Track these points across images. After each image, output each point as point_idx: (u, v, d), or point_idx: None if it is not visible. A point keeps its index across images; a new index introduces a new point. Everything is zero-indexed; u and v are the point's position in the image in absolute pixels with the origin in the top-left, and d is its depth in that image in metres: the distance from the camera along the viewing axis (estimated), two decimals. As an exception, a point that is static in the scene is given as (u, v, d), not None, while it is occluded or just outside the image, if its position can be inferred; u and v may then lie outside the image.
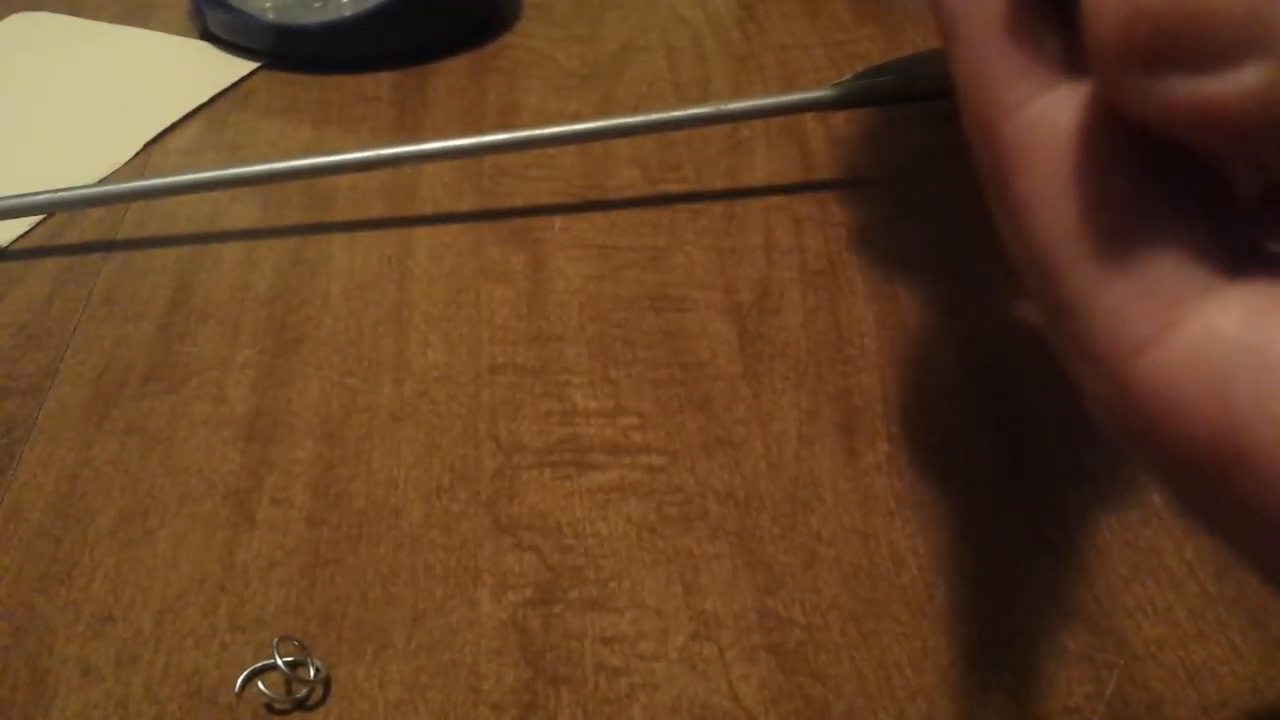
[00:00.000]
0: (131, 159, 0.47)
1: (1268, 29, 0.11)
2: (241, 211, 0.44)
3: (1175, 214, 0.13)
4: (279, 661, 0.28)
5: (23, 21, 0.56)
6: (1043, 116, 0.13)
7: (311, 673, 0.28)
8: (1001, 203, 0.14)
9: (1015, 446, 0.34)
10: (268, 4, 0.54)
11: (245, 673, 0.28)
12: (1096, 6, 0.12)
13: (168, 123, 0.49)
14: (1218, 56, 0.11)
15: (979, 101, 0.14)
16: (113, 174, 0.46)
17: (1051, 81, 0.13)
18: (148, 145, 0.48)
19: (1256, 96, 0.11)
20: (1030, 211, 0.14)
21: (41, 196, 0.42)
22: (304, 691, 0.28)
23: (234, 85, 0.51)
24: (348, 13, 0.52)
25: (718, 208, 0.44)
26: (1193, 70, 0.12)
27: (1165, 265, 0.13)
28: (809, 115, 0.49)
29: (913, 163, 0.46)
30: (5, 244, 0.42)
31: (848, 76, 0.49)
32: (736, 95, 0.51)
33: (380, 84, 0.52)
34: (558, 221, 0.43)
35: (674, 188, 0.45)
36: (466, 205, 0.44)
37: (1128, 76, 0.12)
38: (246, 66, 0.53)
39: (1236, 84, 0.11)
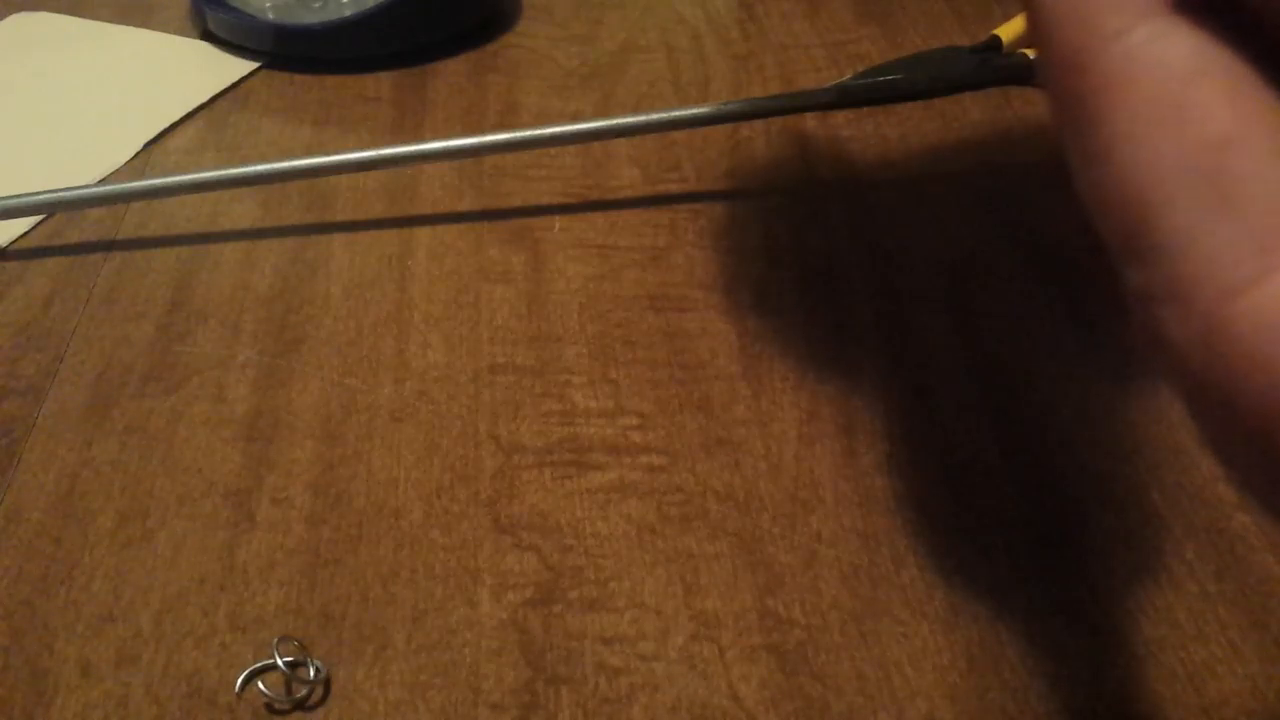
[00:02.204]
0: (131, 159, 0.47)
1: None
2: (241, 211, 0.44)
3: (1275, 156, 0.12)
4: (279, 661, 0.28)
5: (23, 21, 0.56)
6: (1146, 45, 0.13)
7: (311, 673, 0.28)
8: (1089, 139, 0.14)
9: (1016, 446, 0.34)
10: (268, 4, 0.54)
11: (245, 673, 0.28)
12: None
13: (168, 123, 0.49)
14: None
15: (1071, 30, 0.14)
16: (113, 174, 0.46)
17: (1153, 9, 0.13)
18: (148, 145, 0.48)
19: None
20: (1126, 146, 0.13)
21: (41, 196, 0.42)
22: (304, 691, 0.28)
23: (234, 85, 0.51)
24: (348, 13, 0.52)
25: (718, 208, 0.44)
26: None
27: (1268, 205, 0.12)
28: (809, 115, 0.49)
29: (913, 163, 0.46)
30: (5, 244, 0.42)
31: (848, 76, 0.49)
32: (736, 95, 0.51)
33: (380, 84, 0.52)
34: (558, 221, 0.43)
35: (674, 188, 0.45)
36: (466, 205, 0.44)
37: None
38: (246, 66, 0.53)
39: None
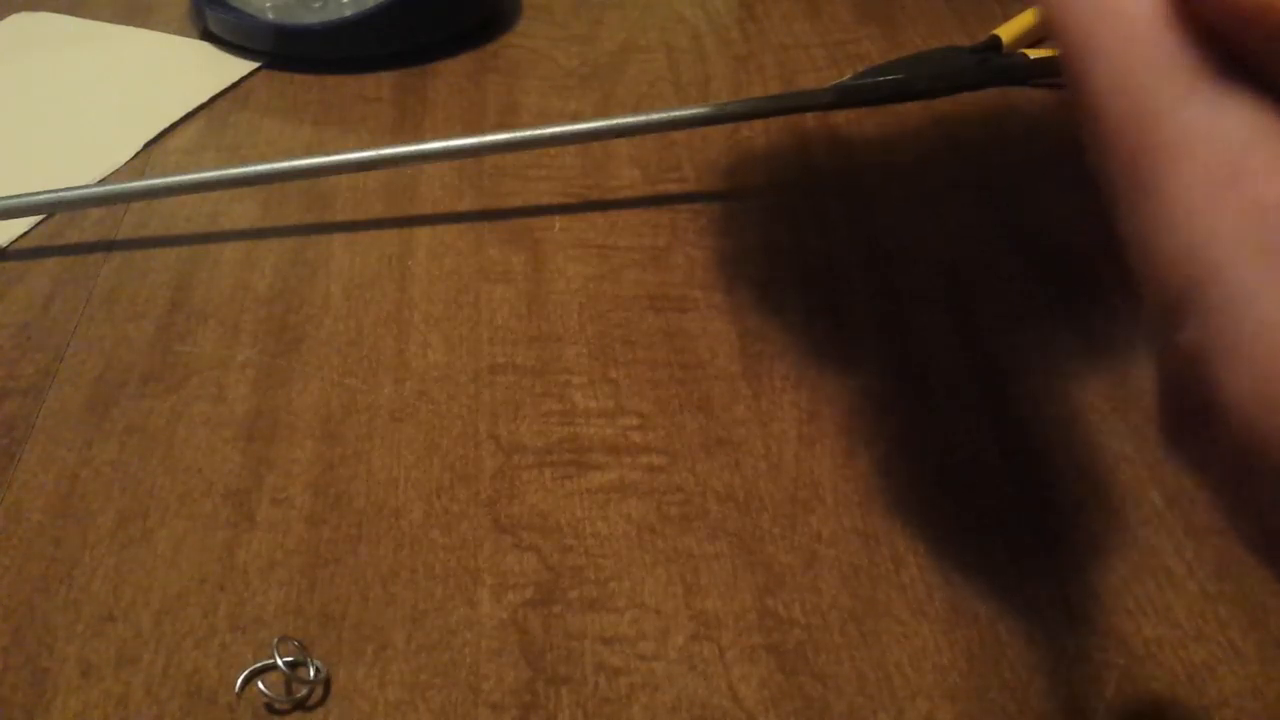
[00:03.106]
0: (131, 159, 0.47)
1: None
2: (241, 211, 0.44)
3: None
4: (279, 661, 0.28)
5: (23, 21, 0.56)
6: (1202, 116, 0.14)
7: (311, 673, 0.28)
8: (1145, 204, 0.14)
9: (1016, 446, 0.34)
10: (268, 4, 0.54)
11: (245, 673, 0.28)
12: None
13: (168, 123, 0.49)
14: None
15: (1126, 102, 0.14)
16: (113, 174, 0.46)
17: (1206, 82, 0.14)
18: (148, 145, 0.48)
19: None
20: (1184, 210, 0.14)
21: (41, 196, 0.42)
22: (304, 691, 0.28)
23: (234, 85, 0.51)
24: (348, 13, 0.52)
25: (718, 208, 0.44)
26: None
27: None
28: (809, 115, 0.49)
29: (913, 163, 0.46)
30: (5, 244, 0.42)
31: (848, 76, 0.49)
32: (736, 95, 0.51)
33: (380, 84, 0.52)
34: (558, 221, 0.43)
35: (674, 188, 0.45)
36: (466, 205, 0.44)
37: None
38: (246, 66, 0.53)
39: None
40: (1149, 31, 0.14)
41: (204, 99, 0.50)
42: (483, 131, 0.44)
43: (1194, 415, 0.14)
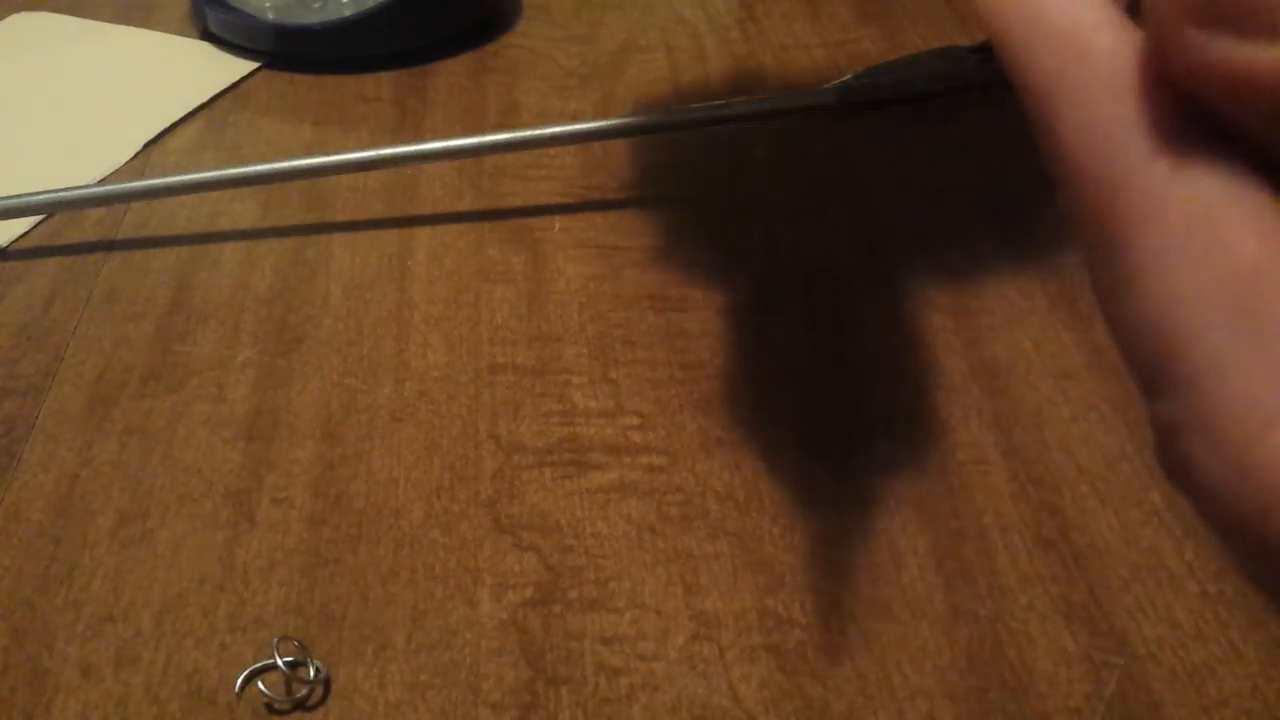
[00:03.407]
0: (131, 159, 0.47)
1: None
2: (241, 211, 0.44)
3: None
4: (279, 661, 0.28)
5: (23, 21, 0.56)
6: (1172, 176, 0.13)
7: (311, 673, 0.28)
8: (1115, 266, 0.14)
9: (1015, 446, 0.34)
10: (268, 4, 0.54)
11: (245, 673, 0.28)
12: None
13: (168, 123, 0.49)
14: (1265, 23, 0.12)
15: (1094, 161, 0.14)
16: (113, 174, 0.46)
17: (1175, 143, 0.13)
18: (148, 145, 0.48)
19: None
20: (1154, 276, 0.13)
21: (41, 196, 0.42)
22: (304, 691, 0.28)
23: (234, 85, 0.51)
24: (348, 13, 0.52)
25: (718, 208, 0.44)
26: (1241, 33, 0.12)
27: None
28: (809, 115, 0.49)
29: (912, 163, 0.46)
30: (5, 244, 0.42)
31: (848, 76, 0.49)
32: (736, 95, 0.51)
33: (380, 84, 0.52)
34: (558, 221, 0.43)
35: (674, 188, 0.45)
36: (466, 205, 0.44)
37: (1183, 34, 0.12)
38: (246, 66, 0.53)
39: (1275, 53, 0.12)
40: (1117, 85, 0.13)
41: (204, 99, 0.50)
42: (483, 131, 0.44)
43: (1181, 477, 0.14)
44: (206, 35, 0.55)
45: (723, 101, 0.47)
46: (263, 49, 0.53)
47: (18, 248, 0.42)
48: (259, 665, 0.28)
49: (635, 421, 0.35)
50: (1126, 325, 0.14)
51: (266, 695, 0.28)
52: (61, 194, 0.42)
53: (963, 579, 0.30)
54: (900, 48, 0.53)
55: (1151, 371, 0.13)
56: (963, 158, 0.46)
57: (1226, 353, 0.12)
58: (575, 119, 0.49)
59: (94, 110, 0.50)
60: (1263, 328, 0.12)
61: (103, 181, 0.46)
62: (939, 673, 0.28)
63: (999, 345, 0.37)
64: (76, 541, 0.32)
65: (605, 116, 0.45)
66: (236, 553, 0.31)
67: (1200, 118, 0.13)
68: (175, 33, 0.55)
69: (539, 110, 0.50)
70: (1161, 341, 0.13)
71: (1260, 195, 0.13)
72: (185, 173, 0.43)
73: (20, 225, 0.43)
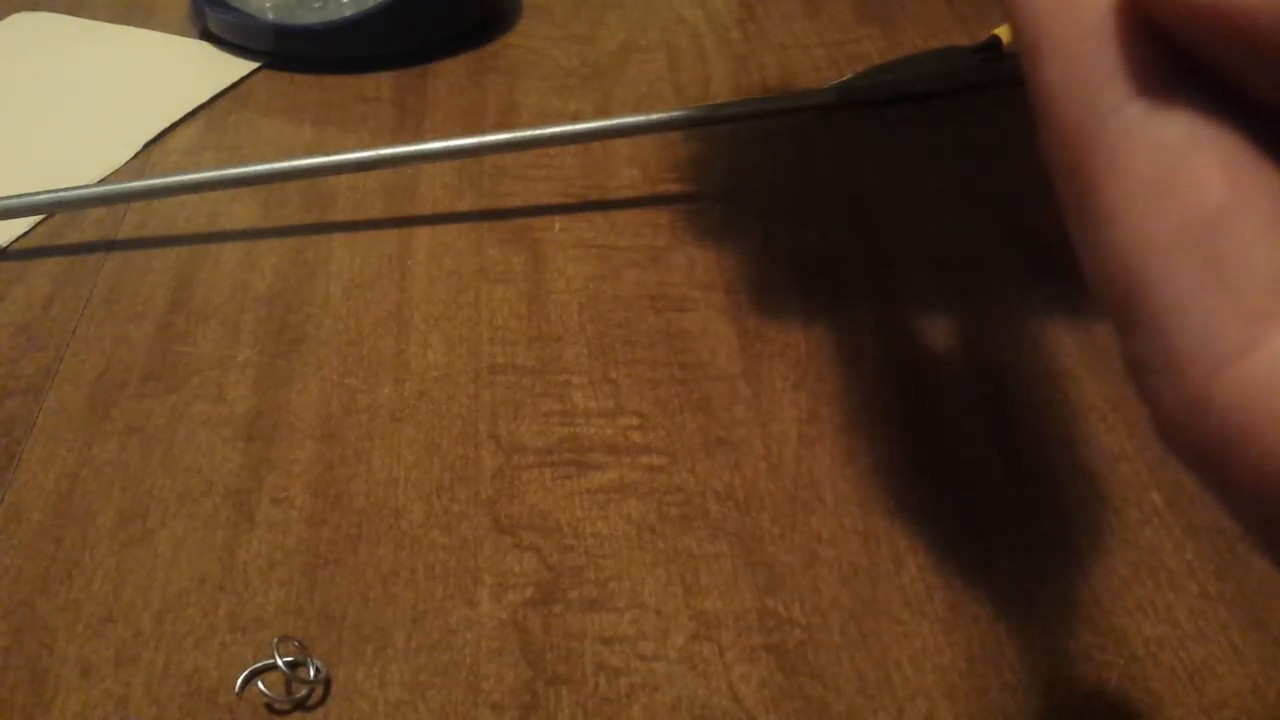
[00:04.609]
0: (131, 159, 0.47)
1: None
2: (241, 211, 0.44)
3: (1273, 226, 0.13)
4: (279, 661, 0.28)
5: (23, 21, 0.56)
6: (1142, 120, 0.13)
7: (311, 673, 0.28)
8: (1085, 210, 0.14)
9: (1015, 446, 0.34)
10: (268, 4, 0.54)
11: (245, 673, 0.28)
12: None
13: (168, 123, 0.49)
14: None
15: (1068, 104, 0.14)
16: (113, 174, 0.46)
17: (1149, 85, 0.13)
18: (148, 145, 0.48)
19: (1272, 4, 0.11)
20: (1121, 219, 0.13)
21: (41, 196, 0.42)
22: (304, 691, 0.28)
23: (234, 85, 0.51)
24: (348, 13, 0.52)
25: (718, 208, 0.44)
26: None
27: (1259, 278, 0.12)
28: (809, 115, 0.49)
29: (912, 162, 0.46)
30: (5, 244, 0.42)
31: (848, 76, 0.49)
32: (736, 95, 0.51)
33: (380, 84, 0.52)
34: (558, 221, 0.43)
35: (674, 188, 0.45)
36: (466, 205, 0.44)
37: None
38: (246, 66, 0.53)
39: None
40: (1098, 30, 0.14)
41: (204, 99, 0.50)
42: (483, 131, 0.44)
43: (1151, 414, 0.14)
44: (206, 35, 0.55)
45: (723, 101, 0.47)
46: (263, 49, 0.53)
47: (18, 248, 0.42)
48: (259, 665, 0.28)
49: (635, 421, 0.35)
50: (1098, 266, 0.14)
51: (266, 695, 0.28)
52: (61, 194, 0.42)
53: (963, 579, 0.30)
54: (900, 48, 0.53)
55: (1120, 310, 0.14)
56: (963, 158, 0.46)
57: (1188, 291, 0.13)
58: (575, 119, 0.49)
59: (94, 110, 0.50)
60: (1223, 267, 0.12)
61: (103, 181, 0.46)
62: (939, 673, 0.28)
63: (999, 344, 0.37)
64: (76, 541, 0.32)
65: (605, 116, 0.45)
66: (236, 553, 0.31)
67: (1179, 61, 0.13)
68: (175, 33, 0.55)
69: (539, 110, 0.50)
70: (1129, 281, 0.13)
71: (1231, 137, 0.13)
72: (185, 173, 0.43)
73: (20, 225, 0.43)
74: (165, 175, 0.44)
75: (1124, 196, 0.13)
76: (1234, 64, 0.13)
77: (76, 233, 0.43)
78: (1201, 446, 0.13)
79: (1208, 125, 0.13)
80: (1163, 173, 0.13)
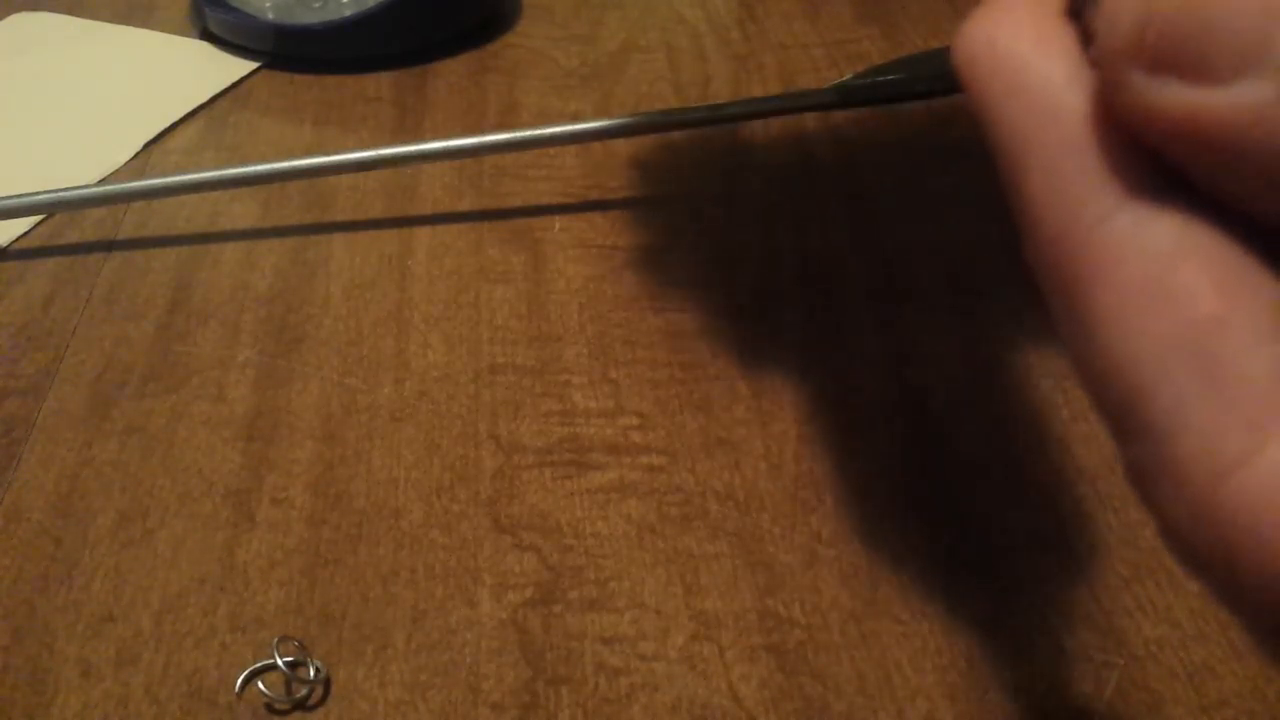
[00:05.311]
0: (131, 159, 0.47)
1: (1269, 43, 0.11)
2: (241, 211, 0.44)
3: (1267, 331, 0.13)
4: (279, 661, 0.28)
5: (23, 21, 0.56)
6: (1131, 230, 0.13)
7: (311, 673, 0.28)
8: (1077, 319, 0.14)
9: (1015, 445, 0.34)
10: (268, 4, 0.54)
11: (245, 673, 0.28)
12: (1111, 7, 0.12)
13: (168, 123, 0.49)
14: (1219, 67, 0.12)
15: (1056, 214, 0.14)
16: (113, 174, 0.46)
17: (1136, 195, 0.13)
18: (148, 145, 0.48)
19: (1251, 112, 0.11)
20: (1113, 330, 0.13)
21: (41, 196, 0.42)
22: (304, 691, 0.28)
23: (234, 85, 0.51)
24: (348, 13, 0.52)
25: (717, 208, 0.44)
26: (1193, 78, 0.12)
27: (1256, 385, 0.12)
28: (809, 115, 0.49)
29: (913, 163, 0.46)
30: (5, 244, 0.42)
31: (848, 76, 0.49)
32: (736, 95, 0.51)
33: (380, 84, 0.52)
34: (558, 221, 0.43)
35: (674, 188, 0.45)
36: (466, 205, 0.44)
37: (1132, 76, 0.12)
38: (246, 66, 0.53)
39: (1233, 97, 0.12)
40: (1081, 140, 0.14)
41: (204, 99, 0.50)
42: (483, 131, 0.44)
43: (1154, 519, 0.14)
44: (206, 35, 0.55)
45: (723, 102, 0.47)
46: (263, 49, 0.53)
47: (18, 248, 0.42)
48: (259, 665, 0.28)
49: (635, 421, 0.35)
50: (1092, 374, 0.14)
51: (266, 695, 0.28)
52: (61, 194, 0.42)
53: (963, 579, 0.30)
54: (900, 48, 0.53)
55: (1118, 419, 0.14)
56: (963, 158, 0.46)
57: (1186, 401, 0.13)
58: (575, 119, 0.49)
59: (94, 110, 0.50)
60: (1220, 375, 0.12)
61: (103, 181, 0.46)
62: (939, 673, 0.28)
63: (999, 344, 0.37)
64: (76, 541, 0.32)
65: (605, 116, 0.45)
66: (236, 553, 0.31)
67: (1164, 166, 0.13)
68: (175, 33, 0.55)
69: (539, 110, 0.50)
70: (1125, 390, 0.13)
71: (1220, 243, 0.13)
72: (185, 173, 0.43)
73: (20, 225, 0.43)
74: (165, 175, 0.44)
75: (1116, 306, 0.13)
76: (1214, 175, 0.13)
77: (76, 233, 0.43)
78: (1206, 555, 0.13)
79: (1196, 232, 0.13)
80: (1154, 282, 0.13)
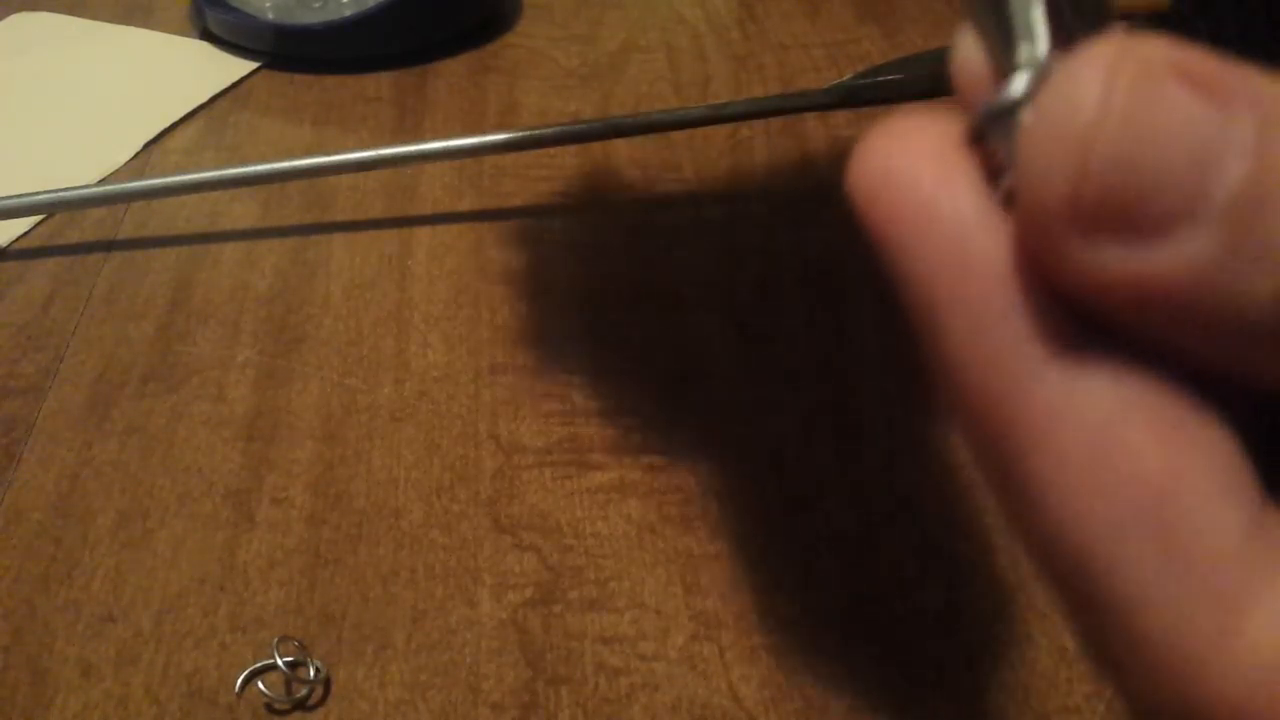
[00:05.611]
0: (131, 159, 0.47)
1: (1205, 192, 0.11)
2: (241, 211, 0.44)
3: (1224, 487, 0.11)
4: (279, 661, 0.28)
5: (23, 21, 0.56)
6: (1063, 389, 0.12)
7: (311, 673, 0.28)
8: (1013, 490, 0.12)
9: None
10: (268, 4, 0.54)
11: (245, 673, 0.28)
12: (1038, 165, 0.11)
13: (168, 123, 0.49)
14: (1158, 222, 0.11)
15: (976, 374, 0.12)
16: (113, 174, 0.46)
17: (1066, 351, 0.12)
18: (148, 145, 0.48)
19: (1193, 267, 0.11)
20: (1057, 501, 0.12)
21: (41, 196, 0.42)
22: (304, 691, 0.28)
23: (234, 85, 0.51)
24: (348, 13, 0.52)
25: (718, 208, 0.44)
26: (1132, 236, 0.11)
27: (1220, 555, 0.11)
28: (809, 115, 0.49)
29: (913, 163, 0.46)
30: (5, 244, 0.42)
31: (848, 76, 0.49)
32: (736, 95, 0.51)
33: (380, 84, 0.52)
34: (558, 221, 0.43)
35: (674, 188, 0.45)
36: (466, 205, 0.44)
37: (1067, 240, 0.11)
38: (246, 66, 0.53)
39: (1173, 252, 0.11)
40: (1000, 290, 0.12)
41: (204, 99, 0.50)
42: (483, 131, 0.44)
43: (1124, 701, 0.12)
44: (206, 35, 0.55)
45: (723, 101, 0.47)
46: (263, 49, 0.53)
47: (18, 248, 0.42)
48: (259, 665, 0.28)
49: (635, 421, 0.35)
50: (1033, 542, 0.12)
51: (266, 695, 0.28)
52: (61, 194, 0.42)
53: (963, 579, 0.30)
54: (900, 48, 0.53)
55: (1068, 589, 0.12)
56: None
57: (1147, 576, 0.11)
58: (575, 119, 0.49)
59: (94, 110, 0.50)
60: (1182, 546, 0.11)
61: (103, 181, 0.46)
62: (939, 673, 0.28)
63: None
64: (76, 541, 0.32)
65: (605, 116, 0.45)
66: (236, 553, 0.31)
67: (1090, 318, 0.12)
68: (175, 33, 0.55)
69: (539, 110, 0.50)
70: (1076, 565, 0.12)
71: (1161, 395, 0.12)
72: (185, 173, 0.43)
73: (20, 225, 0.43)
74: (165, 175, 0.44)
75: (1057, 476, 0.12)
76: (1154, 329, 0.11)
77: (76, 233, 0.43)
78: None
79: (1134, 386, 0.12)
80: (1096, 448, 0.12)
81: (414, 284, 0.40)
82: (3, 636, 0.29)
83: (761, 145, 0.47)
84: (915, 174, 0.13)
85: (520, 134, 0.43)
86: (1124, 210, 0.11)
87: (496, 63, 0.53)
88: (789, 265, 0.41)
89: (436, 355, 0.37)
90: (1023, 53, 0.13)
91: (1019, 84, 0.13)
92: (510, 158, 0.46)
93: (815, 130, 0.48)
